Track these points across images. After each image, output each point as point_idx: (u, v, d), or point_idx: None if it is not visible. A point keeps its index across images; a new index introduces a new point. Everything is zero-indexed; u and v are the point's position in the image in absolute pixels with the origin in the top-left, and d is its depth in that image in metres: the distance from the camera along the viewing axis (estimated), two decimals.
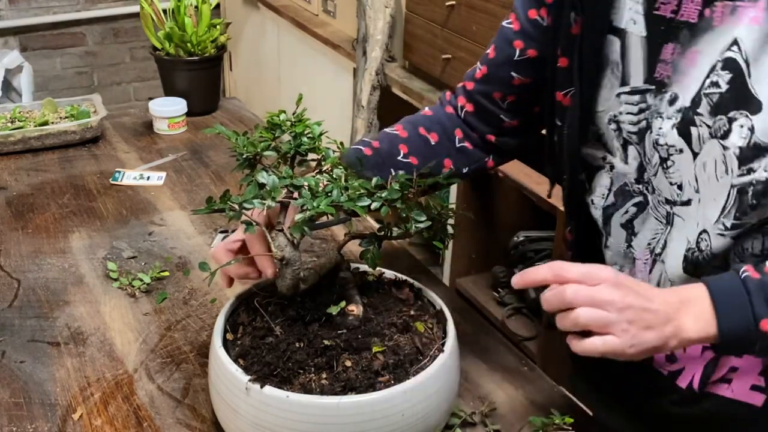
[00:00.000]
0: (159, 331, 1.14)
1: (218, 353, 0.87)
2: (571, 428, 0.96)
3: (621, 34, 0.95)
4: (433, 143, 1.13)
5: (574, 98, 0.99)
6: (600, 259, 1.07)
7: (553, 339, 2.00)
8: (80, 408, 0.99)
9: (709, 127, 0.88)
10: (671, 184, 0.94)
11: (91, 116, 1.76)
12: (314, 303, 0.91)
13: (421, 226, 0.88)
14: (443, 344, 0.90)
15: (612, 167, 1.01)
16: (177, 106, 1.83)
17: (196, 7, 1.88)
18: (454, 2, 2.26)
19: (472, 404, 1.01)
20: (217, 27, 1.92)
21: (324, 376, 0.86)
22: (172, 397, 1.01)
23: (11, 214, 1.45)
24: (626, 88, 0.95)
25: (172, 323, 1.16)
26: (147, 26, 1.93)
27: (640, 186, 0.99)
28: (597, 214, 1.04)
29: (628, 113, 0.95)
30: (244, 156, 0.90)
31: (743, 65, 0.85)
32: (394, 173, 1.06)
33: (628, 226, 1.01)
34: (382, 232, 0.91)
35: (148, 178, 1.60)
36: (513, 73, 1.08)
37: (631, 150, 0.97)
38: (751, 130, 0.85)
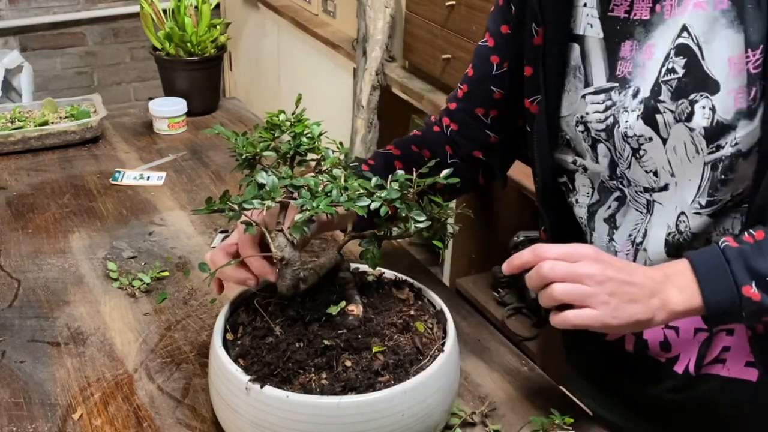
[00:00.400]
0: (159, 331, 1.14)
1: (218, 353, 0.88)
2: (571, 428, 0.96)
3: (580, 39, 0.99)
4: (425, 159, 1.15)
5: (540, 105, 1.03)
6: None
7: (553, 339, 2.00)
8: (80, 408, 1.00)
9: (672, 112, 0.91)
10: (647, 172, 0.97)
11: (91, 116, 1.76)
12: (314, 303, 0.92)
13: (421, 226, 0.88)
14: (443, 344, 0.90)
15: (585, 169, 1.04)
16: (177, 106, 1.83)
17: (196, 7, 1.88)
18: (454, 2, 2.26)
19: (472, 404, 1.01)
20: (217, 27, 1.93)
21: (324, 376, 0.86)
22: (172, 397, 1.01)
23: (11, 214, 1.45)
24: (591, 89, 0.99)
25: (172, 323, 1.16)
26: (147, 26, 1.93)
27: (614, 182, 1.02)
28: (582, 212, 1.07)
29: (595, 112, 0.99)
30: (243, 156, 0.90)
31: (695, 48, 0.88)
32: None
33: (611, 221, 1.04)
34: (382, 232, 0.91)
35: (148, 178, 1.60)
36: (493, 88, 1.12)
37: (601, 148, 1.00)
38: (713, 109, 0.88)
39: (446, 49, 2.34)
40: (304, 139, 0.92)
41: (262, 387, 0.83)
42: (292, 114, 0.94)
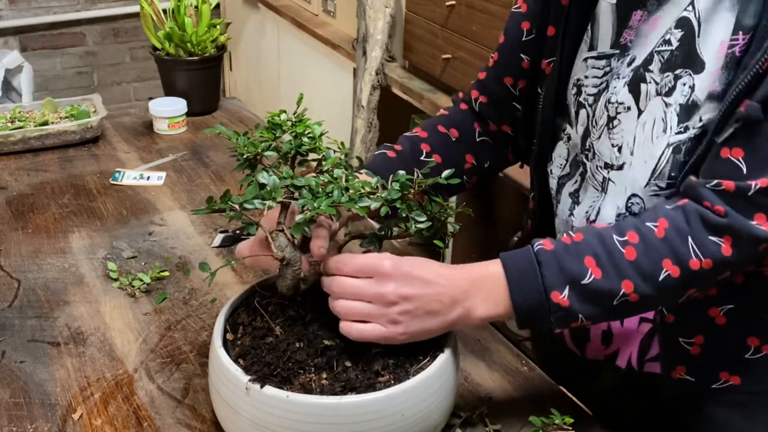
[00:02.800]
0: (159, 331, 1.14)
1: (218, 353, 0.88)
2: (571, 428, 0.96)
3: (597, 4, 0.98)
4: (453, 139, 1.14)
5: (554, 65, 1.02)
6: (553, 227, 1.10)
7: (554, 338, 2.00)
8: (80, 408, 0.99)
9: (656, 83, 0.91)
10: (613, 146, 0.96)
11: (91, 116, 1.76)
12: (314, 303, 0.91)
13: (421, 226, 0.88)
14: (443, 344, 0.90)
15: (569, 138, 1.04)
16: (177, 106, 1.83)
17: (196, 7, 1.88)
18: (454, 2, 2.26)
19: (472, 404, 1.01)
20: (217, 27, 1.92)
21: (324, 376, 0.86)
22: (172, 397, 1.01)
23: (11, 214, 1.45)
24: (593, 53, 0.99)
25: (172, 323, 1.16)
26: (147, 26, 1.93)
27: (583, 155, 1.01)
28: (553, 183, 1.07)
29: (593, 77, 0.98)
30: (244, 156, 0.90)
31: (695, 24, 0.88)
32: (419, 174, 1.08)
33: (575, 195, 1.04)
34: (382, 232, 0.91)
35: (148, 178, 1.60)
36: (522, 55, 1.09)
37: (582, 114, 1.00)
38: (692, 88, 0.88)
39: (446, 49, 2.34)
40: (306, 139, 0.92)
41: (262, 387, 0.83)
42: (294, 114, 0.94)
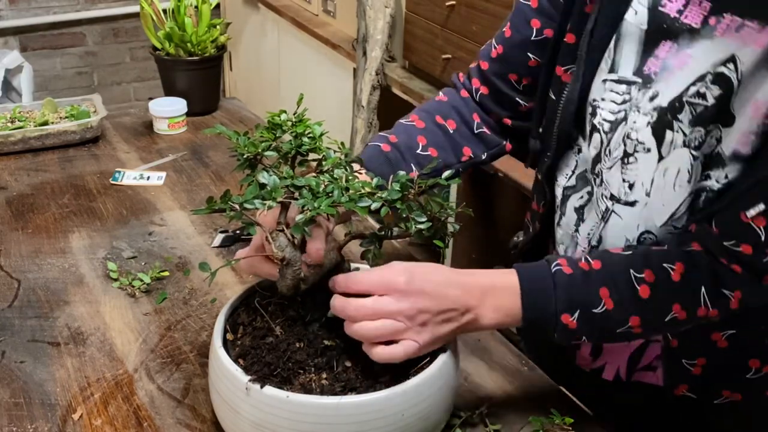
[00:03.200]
0: (159, 331, 1.14)
1: (218, 353, 0.87)
2: (571, 428, 0.96)
3: (620, 21, 0.94)
4: (451, 131, 1.12)
5: (574, 76, 0.98)
6: (552, 232, 1.10)
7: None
8: (80, 408, 0.99)
9: (685, 135, 0.88)
10: (624, 181, 0.94)
11: (91, 116, 1.76)
12: (314, 303, 0.91)
13: (422, 226, 0.88)
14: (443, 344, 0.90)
15: (580, 150, 1.02)
16: (177, 106, 1.83)
17: (196, 7, 1.88)
18: (454, 2, 2.26)
19: (472, 404, 1.01)
20: (217, 27, 1.92)
21: (324, 376, 0.86)
22: (172, 397, 1.01)
23: (11, 214, 1.45)
24: (614, 76, 0.95)
25: (172, 323, 1.16)
26: (147, 26, 1.93)
27: (591, 176, 1.00)
28: (558, 192, 1.06)
29: (611, 101, 0.95)
30: (244, 156, 0.90)
31: (735, 83, 0.84)
32: (414, 168, 1.08)
33: (580, 212, 1.03)
34: (383, 232, 0.91)
35: (148, 178, 1.60)
36: (529, 54, 1.06)
37: (596, 138, 0.97)
38: (718, 140, 0.86)
39: (446, 49, 2.34)
40: (306, 139, 0.92)
41: (262, 387, 0.83)
42: (294, 114, 0.94)
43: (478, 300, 0.87)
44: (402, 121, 1.14)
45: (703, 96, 0.86)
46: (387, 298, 0.84)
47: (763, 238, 0.83)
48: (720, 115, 0.86)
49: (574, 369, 1.10)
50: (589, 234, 1.00)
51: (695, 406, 1.02)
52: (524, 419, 0.98)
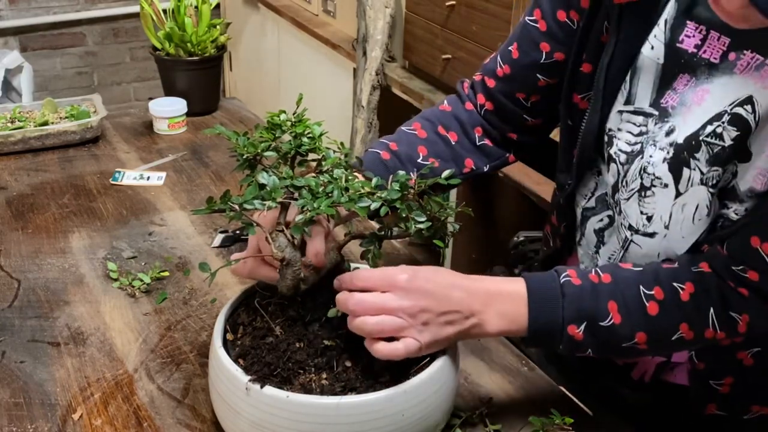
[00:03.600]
0: (159, 331, 1.14)
1: (218, 353, 0.88)
2: (571, 428, 0.96)
3: (637, 54, 0.94)
4: (453, 143, 1.11)
5: (592, 107, 0.97)
6: (571, 247, 1.10)
7: None
8: (80, 408, 0.99)
9: (702, 174, 0.88)
10: (641, 213, 0.94)
11: (91, 116, 1.76)
12: (314, 303, 0.91)
13: (421, 226, 0.88)
14: None
15: (599, 173, 1.02)
16: (177, 106, 1.83)
17: (196, 7, 1.88)
18: (454, 2, 2.26)
19: (472, 404, 1.01)
20: (217, 27, 1.92)
21: (324, 376, 0.86)
22: (172, 397, 1.01)
23: (11, 214, 1.45)
24: (629, 108, 0.94)
25: (172, 323, 1.16)
26: (147, 26, 1.93)
27: (612, 202, 0.99)
28: (578, 212, 1.06)
29: (627, 132, 0.95)
30: (244, 156, 0.90)
31: (753, 125, 0.84)
32: (413, 177, 1.06)
33: (600, 234, 1.02)
34: (382, 232, 0.91)
35: (148, 178, 1.60)
36: (539, 76, 1.05)
37: (612, 168, 0.97)
38: (734, 174, 0.87)
39: (446, 49, 2.34)
40: (305, 140, 0.92)
41: (262, 387, 0.83)
42: (293, 114, 0.94)
43: (482, 304, 0.86)
44: (404, 128, 1.13)
45: (720, 136, 0.86)
46: (389, 294, 0.84)
47: None
48: (737, 153, 0.86)
49: (601, 363, 1.09)
50: (610, 258, 1.01)
51: (724, 423, 1.02)
52: (524, 419, 0.98)
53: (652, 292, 0.87)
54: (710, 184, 0.88)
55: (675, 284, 0.87)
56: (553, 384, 1.07)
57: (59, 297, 1.22)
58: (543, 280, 0.88)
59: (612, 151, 0.96)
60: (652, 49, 0.92)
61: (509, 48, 1.07)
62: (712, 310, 0.87)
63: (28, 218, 1.44)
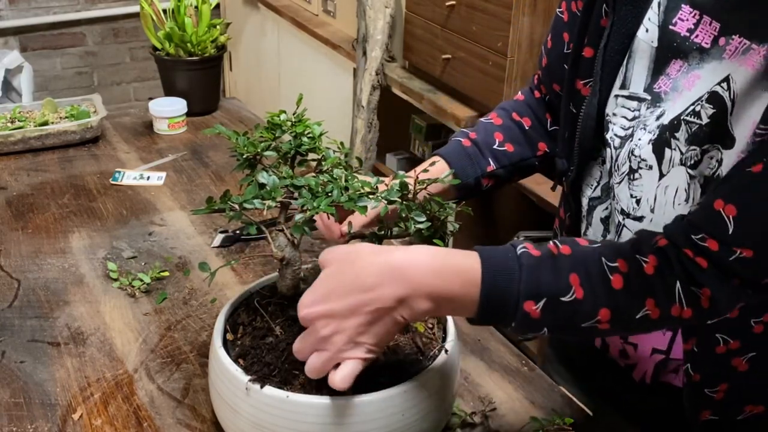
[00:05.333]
0: (159, 331, 1.14)
1: (218, 353, 0.88)
2: (571, 428, 0.96)
3: (633, 38, 0.94)
4: (526, 128, 1.14)
5: (592, 90, 0.98)
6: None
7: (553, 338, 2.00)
8: (80, 408, 0.99)
9: (681, 153, 0.87)
10: (631, 196, 0.94)
11: (91, 116, 1.76)
12: None
13: (421, 226, 0.88)
14: (443, 344, 0.90)
15: (604, 161, 1.01)
16: (177, 106, 1.83)
17: (196, 7, 1.88)
18: (454, 2, 2.26)
19: (472, 404, 1.01)
20: (217, 27, 1.93)
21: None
22: (172, 397, 1.01)
23: (11, 214, 1.45)
24: (625, 92, 0.95)
25: (172, 323, 1.16)
26: (147, 26, 1.93)
27: (611, 188, 0.99)
28: (584, 203, 1.06)
29: (622, 117, 0.95)
30: (244, 156, 0.90)
31: (728, 103, 0.83)
32: (492, 162, 1.10)
33: (605, 222, 1.02)
34: (382, 232, 0.91)
35: (148, 178, 1.60)
36: (565, 66, 1.05)
37: (608, 153, 0.98)
38: (719, 162, 0.84)
39: (446, 49, 2.34)
40: (305, 139, 0.92)
41: (262, 387, 0.83)
42: (293, 114, 0.94)
43: (401, 285, 0.77)
44: (482, 119, 1.17)
45: (698, 115, 0.85)
46: (305, 332, 0.81)
47: (730, 231, 0.78)
48: (717, 135, 0.84)
49: (605, 364, 1.09)
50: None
51: (719, 425, 1.01)
52: (524, 419, 0.98)
53: (616, 264, 0.81)
54: (688, 164, 0.86)
55: (638, 257, 0.82)
56: (553, 384, 1.07)
57: (59, 297, 1.22)
58: (495, 250, 0.81)
59: (608, 136, 0.97)
60: (647, 32, 0.92)
61: (546, 39, 1.10)
62: (678, 283, 0.81)
63: (28, 218, 1.44)
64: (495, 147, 1.11)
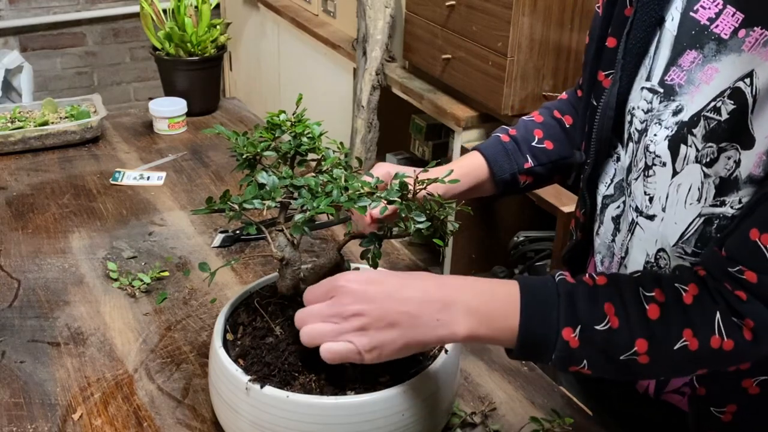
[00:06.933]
0: (159, 331, 1.14)
1: (218, 353, 0.88)
2: (571, 428, 0.96)
3: (661, 27, 0.92)
4: (567, 126, 1.14)
5: (612, 80, 0.96)
6: (590, 242, 1.08)
7: None
8: (80, 408, 0.99)
9: (697, 150, 0.85)
10: (645, 193, 0.92)
11: (91, 116, 1.76)
12: None
13: (421, 226, 0.88)
14: (443, 345, 0.90)
15: (618, 159, 1.00)
16: (177, 106, 1.83)
17: (196, 7, 1.88)
18: (454, 2, 2.26)
19: (472, 404, 1.01)
20: (217, 27, 1.92)
21: (324, 376, 0.86)
22: (172, 397, 1.01)
23: (11, 214, 1.45)
24: (648, 84, 0.92)
25: (172, 323, 1.16)
26: (147, 26, 1.93)
27: (626, 185, 0.98)
28: (598, 201, 1.04)
29: (641, 110, 0.93)
30: (244, 156, 0.90)
31: (750, 100, 0.80)
32: (530, 159, 1.11)
33: (616, 221, 1.00)
34: (382, 232, 0.91)
35: (148, 178, 1.60)
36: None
37: (630, 147, 0.96)
38: (737, 163, 0.82)
39: (446, 49, 2.34)
40: (305, 139, 0.92)
41: (262, 387, 0.83)
42: (293, 114, 0.94)
43: (445, 303, 0.78)
44: (524, 117, 1.17)
45: (718, 111, 0.83)
46: (327, 302, 0.80)
47: None
48: (736, 132, 0.82)
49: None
50: (622, 245, 0.98)
51: None
52: (524, 419, 0.98)
53: (652, 294, 0.80)
54: (704, 161, 0.84)
55: (677, 285, 0.81)
56: (553, 384, 1.07)
57: (59, 297, 1.22)
58: (536, 280, 0.82)
59: (631, 130, 0.94)
60: (672, 20, 0.89)
61: (587, 35, 1.08)
62: (718, 314, 0.79)
63: (28, 218, 1.44)
64: (534, 144, 1.12)
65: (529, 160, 1.11)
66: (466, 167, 1.12)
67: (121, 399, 1.01)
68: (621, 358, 0.80)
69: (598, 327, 0.79)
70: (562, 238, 1.95)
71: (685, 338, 0.79)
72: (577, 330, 0.79)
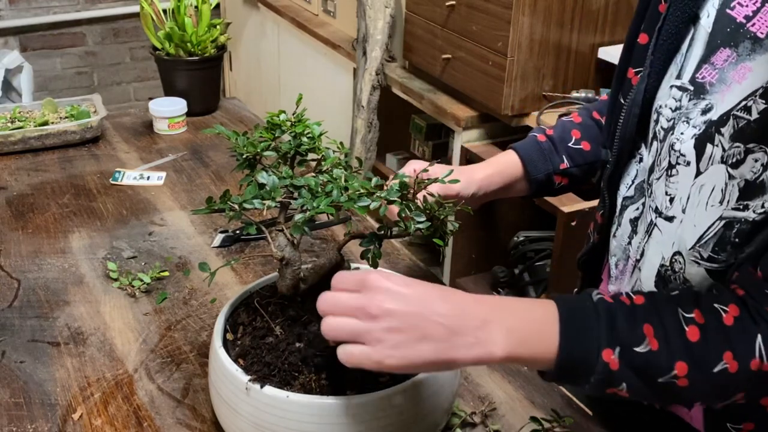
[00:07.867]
0: (159, 331, 1.14)
1: (218, 353, 0.88)
2: (571, 428, 0.96)
3: (696, 25, 0.90)
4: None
5: (641, 77, 0.94)
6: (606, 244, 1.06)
7: None
8: (80, 408, 0.99)
9: (724, 150, 0.82)
10: (666, 194, 0.90)
11: (91, 116, 1.76)
12: (314, 303, 0.91)
13: (420, 226, 0.88)
14: None
15: (641, 160, 0.98)
16: (177, 106, 1.83)
17: (196, 7, 1.88)
18: (454, 2, 2.26)
19: (472, 404, 1.01)
20: (217, 27, 1.92)
21: (324, 376, 0.86)
22: (172, 397, 1.01)
23: (11, 214, 1.45)
24: (678, 82, 0.90)
25: (172, 323, 1.16)
26: (147, 26, 1.93)
27: (647, 186, 0.96)
28: (618, 202, 1.02)
29: (668, 108, 0.91)
30: (244, 156, 0.90)
31: None
32: (566, 160, 1.10)
33: (634, 224, 0.98)
34: (382, 232, 0.91)
35: (148, 178, 1.60)
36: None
37: (654, 146, 0.93)
38: (764, 166, 0.80)
39: (446, 49, 2.34)
40: (305, 139, 0.92)
41: (262, 387, 0.83)
42: (293, 114, 0.94)
43: (483, 321, 0.75)
44: (563, 117, 1.16)
45: (748, 110, 0.80)
46: (357, 293, 0.76)
47: None
48: (764, 134, 0.79)
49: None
50: (638, 247, 0.96)
51: None
52: (524, 419, 0.98)
53: (692, 315, 0.77)
54: (730, 162, 0.81)
55: (717, 306, 0.78)
56: (553, 384, 1.07)
57: (59, 297, 1.22)
58: (574, 300, 0.79)
59: (657, 129, 0.92)
60: (708, 17, 0.87)
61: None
62: (759, 337, 0.76)
63: (28, 218, 1.44)
64: (570, 144, 1.10)
65: (565, 160, 1.10)
66: (501, 165, 1.11)
67: (121, 399, 1.01)
68: (660, 380, 0.78)
69: (637, 349, 0.77)
70: (562, 238, 1.95)
71: (725, 361, 0.77)
72: (617, 351, 0.76)
